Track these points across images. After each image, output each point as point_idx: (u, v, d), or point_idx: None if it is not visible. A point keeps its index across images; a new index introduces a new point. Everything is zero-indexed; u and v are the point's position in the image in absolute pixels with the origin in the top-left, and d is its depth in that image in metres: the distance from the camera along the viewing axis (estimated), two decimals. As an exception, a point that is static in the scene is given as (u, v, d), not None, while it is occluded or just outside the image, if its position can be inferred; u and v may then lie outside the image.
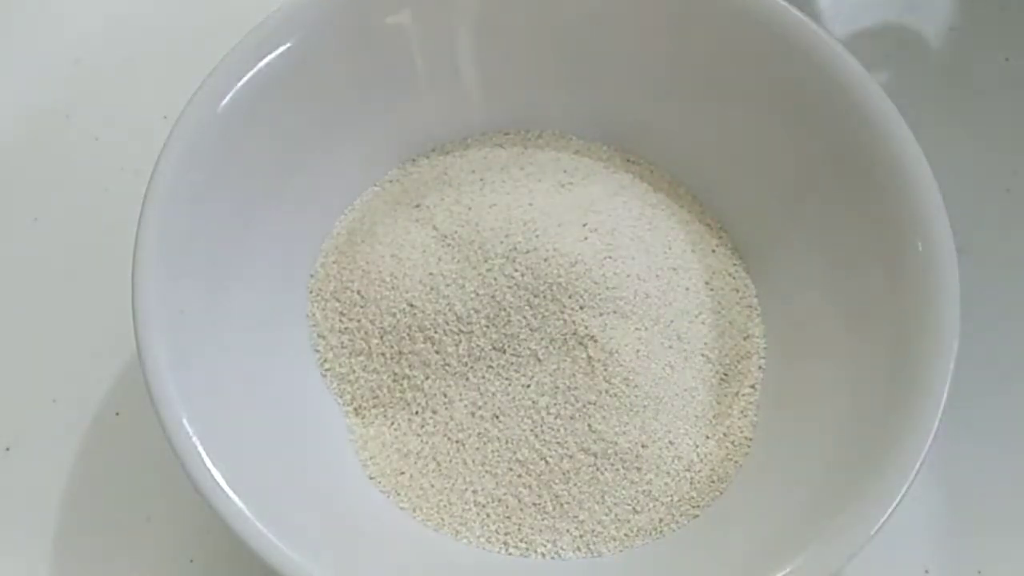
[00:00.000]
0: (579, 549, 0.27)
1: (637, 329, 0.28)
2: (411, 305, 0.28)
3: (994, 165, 0.35)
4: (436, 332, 0.28)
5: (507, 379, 0.28)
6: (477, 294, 0.28)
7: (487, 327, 0.28)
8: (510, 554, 0.27)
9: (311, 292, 0.29)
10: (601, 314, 0.28)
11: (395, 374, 0.28)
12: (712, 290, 0.30)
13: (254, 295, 0.28)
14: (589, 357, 0.27)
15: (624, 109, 0.31)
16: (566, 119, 0.32)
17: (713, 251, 0.31)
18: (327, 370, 0.29)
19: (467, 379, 0.28)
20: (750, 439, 0.28)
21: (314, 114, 0.29)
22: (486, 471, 0.27)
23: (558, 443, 0.27)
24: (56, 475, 0.29)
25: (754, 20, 0.28)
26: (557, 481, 0.27)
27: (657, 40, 0.30)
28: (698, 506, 0.27)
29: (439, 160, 0.31)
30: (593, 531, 0.27)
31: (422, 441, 0.28)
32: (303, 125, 0.29)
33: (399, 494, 0.27)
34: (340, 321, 0.29)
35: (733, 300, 0.30)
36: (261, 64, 0.27)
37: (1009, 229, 0.34)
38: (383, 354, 0.28)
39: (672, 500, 0.27)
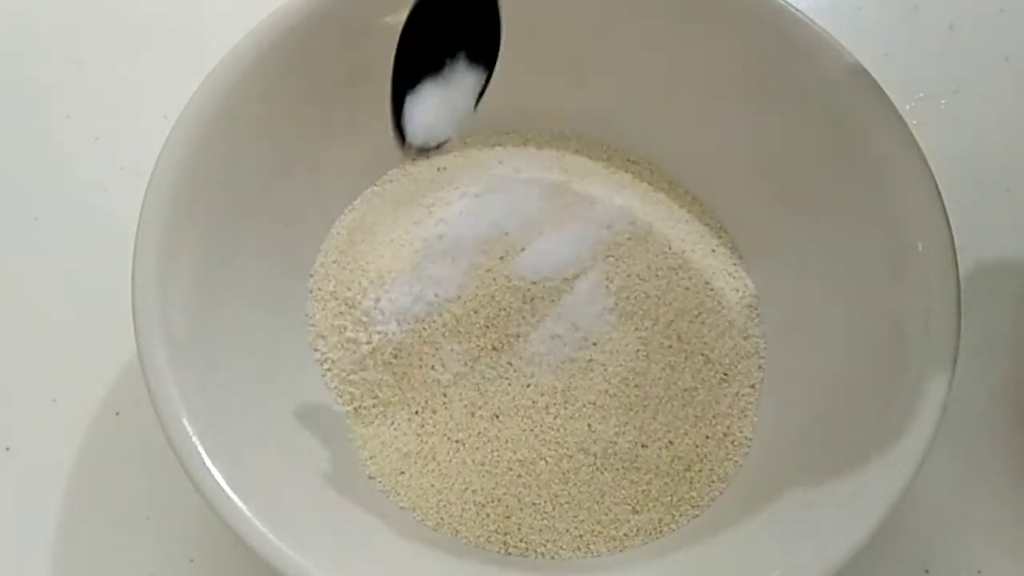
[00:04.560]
0: (578, 549, 0.27)
1: (637, 329, 0.28)
2: (410, 305, 0.28)
3: (994, 165, 0.35)
4: (436, 332, 0.28)
5: (507, 379, 0.28)
6: (476, 294, 0.28)
7: (487, 327, 0.28)
8: (509, 554, 0.27)
9: (311, 292, 0.29)
10: (601, 314, 0.28)
11: (395, 374, 0.28)
12: (712, 290, 0.30)
13: (254, 295, 0.28)
14: (589, 357, 0.27)
15: (625, 109, 0.31)
16: (566, 119, 0.32)
17: (713, 251, 0.31)
18: (327, 370, 0.29)
19: (467, 379, 0.28)
20: (750, 439, 0.28)
21: (314, 114, 0.29)
22: (485, 471, 0.27)
23: (558, 443, 0.27)
24: (56, 475, 0.29)
25: (754, 20, 0.28)
26: (556, 481, 0.27)
27: (657, 41, 0.30)
28: (698, 506, 0.27)
29: (439, 160, 0.31)
30: (592, 531, 0.27)
31: (422, 441, 0.28)
32: (303, 125, 0.29)
33: (399, 493, 0.27)
34: (340, 321, 0.29)
35: (733, 300, 0.30)
36: (261, 64, 0.27)
37: (1009, 229, 0.34)
38: (383, 354, 0.28)
39: (672, 500, 0.27)
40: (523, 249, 0.28)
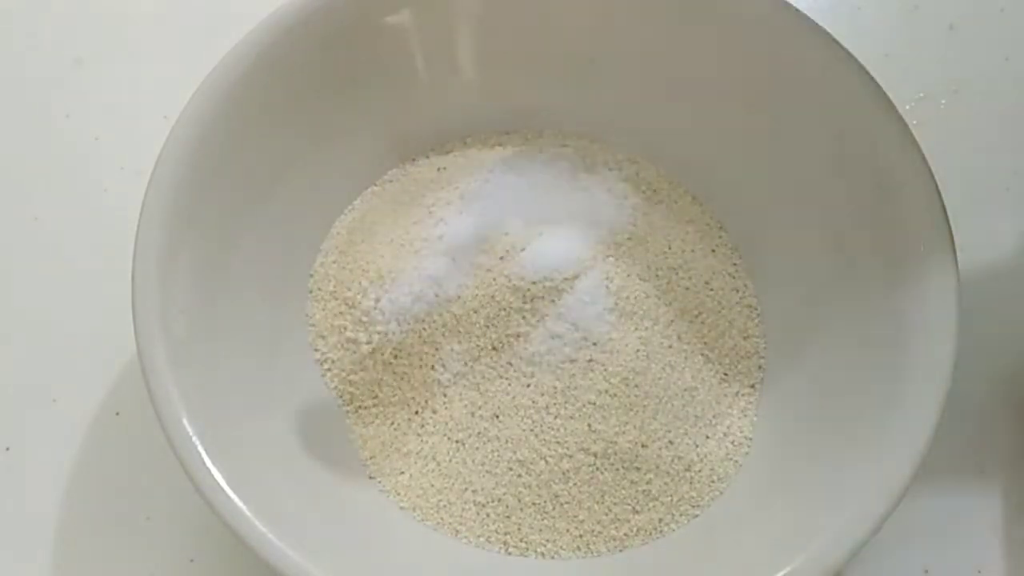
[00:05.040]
0: (578, 549, 0.27)
1: (637, 329, 0.28)
2: (410, 305, 0.28)
3: (994, 165, 0.35)
4: (436, 332, 0.28)
5: (507, 379, 0.28)
6: (476, 294, 0.28)
7: (487, 327, 0.28)
8: (509, 554, 0.27)
9: (311, 292, 0.29)
10: (601, 314, 0.28)
11: (395, 374, 0.28)
12: (712, 290, 0.30)
13: (254, 295, 0.28)
14: (589, 357, 0.27)
15: (624, 109, 0.31)
16: (566, 119, 0.32)
17: (713, 251, 0.31)
18: (327, 370, 0.29)
19: (467, 379, 0.28)
20: (750, 439, 0.28)
21: (314, 113, 0.29)
22: (486, 471, 0.27)
23: (558, 443, 0.27)
24: (56, 475, 0.29)
25: (754, 19, 0.28)
26: (556, 481, 0.27)
27: (658, 40, 0.30)
28: (698, 506, 0.27)
29: (439, 160, 0.31)
30: (592, 531, 0.27)
31: (422, 441, 0.28)
32: (303, 124, 0.29)
33: (399, 494, 0.27)
34: (340, 321, 0.29)
35: (733, 300, 0.30)
36: (261, 64, 0.27)
37: (1009, 229, 0.34)
38: (383, 354, 0.28)
39: (672, 500, 0.27)
40: (523, 249, 0.28)
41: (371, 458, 0.28)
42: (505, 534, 0.27)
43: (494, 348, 0.28)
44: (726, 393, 0.29)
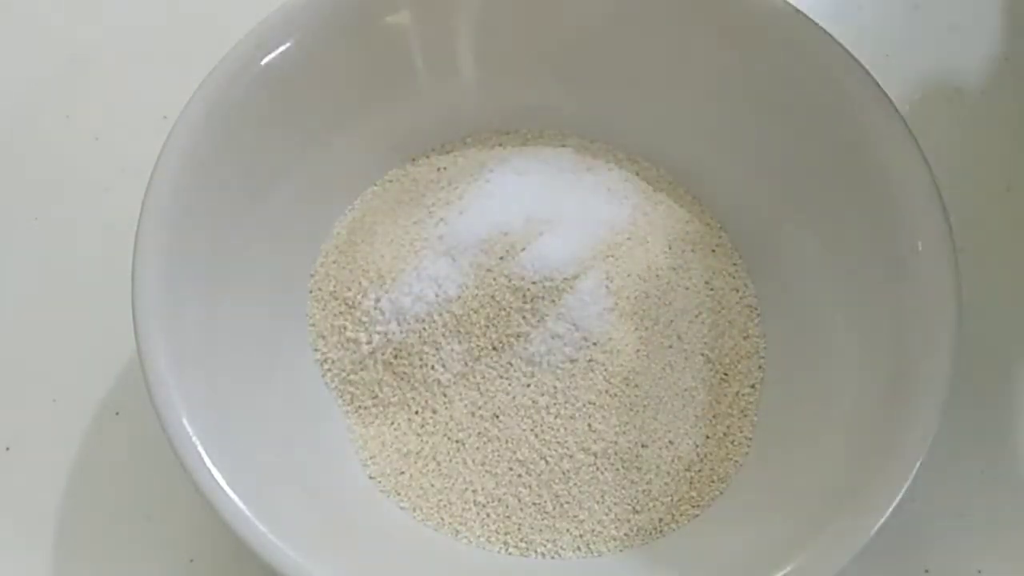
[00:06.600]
0: (579, 549, 0.27)
1: (637, 329, 0.28)
2: (410, 305, 0.28)
3: (994, 165, 0.35)
4: (436, 332, 0.28)
5: (507, 379, 0.28)
6: (477, 294, 0.28)
7: (487, 327, 0.28)
8: (510, 554, 0.27)
9: (311, 292, 0.29)
10: (601, 314, 0.28)
11: (395, 374, 0.28)
12: (712, 290, 0.30)
13: (254, 295, 0.28)
14: (589, 357, 0.27)
15: (624, 109, 0.31)
16: (566, 119, 0.32)
17: (713, 251, 0.31)
18: (327, 370, 0.29)
19: (467, 379, 0.28)
20: (750, 439, 0.28)
21: (313, 114, 0.29)
22: (486, 471, 0.27)
23: (558, 443, 0.27)
24: (56, 475, 0.29)
25: (754, 19, 0.28)
26: (557, 481, 0.27)
27: (657, 40, 0.30)
28: (698, 506, 0.27)
29: (439, 160, 0.31)
30: (593, 531, 0.27)
31: (422, 441, 0.28)
32: (302, 125, 0.29)
33: (399, 494, 0.27)
34: (340, 321, 0.29)
35: (733, 300, 0.30)
36: (261, 64, 0.27)
37: (1009, 229, 0.34)
38: (383, 354, 0.28)
39: (672, 500, 0.27)
40: (523, 249, 0.28)
41: (371, 458, 0.28)
42: (505, 534, 0.27)
43: (494, 348, 0.28)
44: (726, 393, 0.29)
